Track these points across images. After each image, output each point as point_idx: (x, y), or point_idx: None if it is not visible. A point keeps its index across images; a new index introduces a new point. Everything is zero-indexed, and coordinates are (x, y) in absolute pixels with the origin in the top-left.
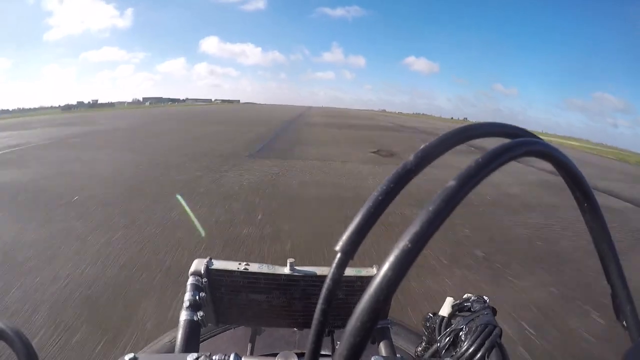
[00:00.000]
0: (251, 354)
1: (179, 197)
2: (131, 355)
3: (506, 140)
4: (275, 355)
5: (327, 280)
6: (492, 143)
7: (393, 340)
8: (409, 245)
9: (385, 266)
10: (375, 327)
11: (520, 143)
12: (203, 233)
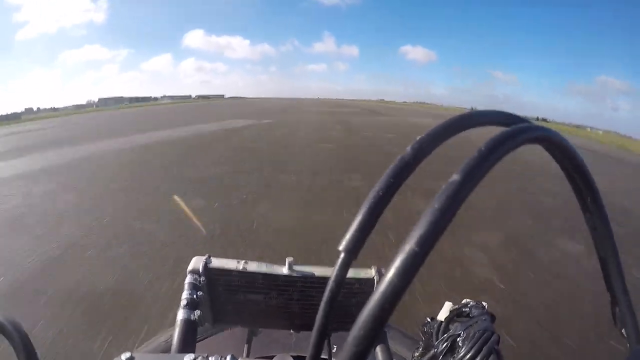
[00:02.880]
0: (247, 355)
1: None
2: (128, 354)
3: (503, 129)
4: (271, 357)
5: (330, 282)
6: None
7: (390, 344)
8: (416, 249)
9: (391, 272)
10: (379, 335)
11: (521, 130)
12: None
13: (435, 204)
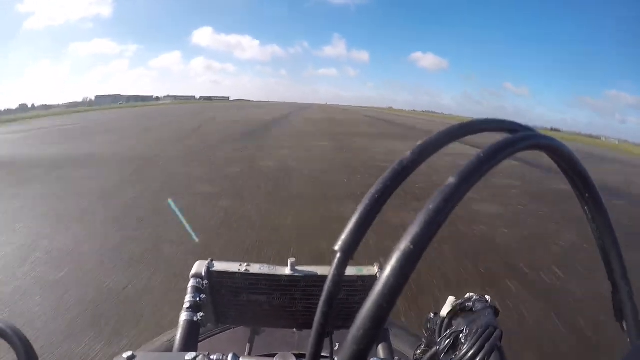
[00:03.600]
0: (249, 354)
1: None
2: (129, 353)
3: (504, 136)
4: (273, 355)
5: (328, 282)
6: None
7: (392, 342)
8: (411, 247)
9: (387, 271)
10: (379, 334)
11: (521, 137)
12: None
13: (431, 204)
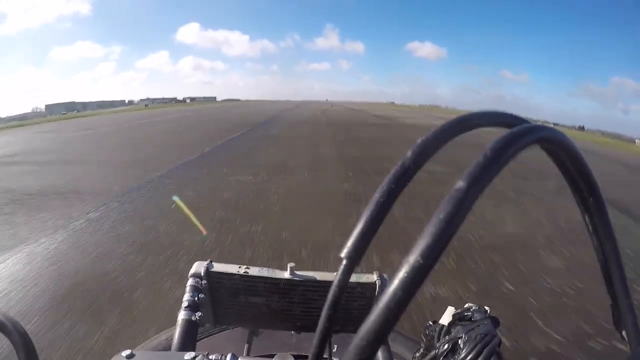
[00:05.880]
0: (248, 354)
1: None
2: (128, 352)
3: (507, 130)
4: (272, 356)
5: (333, 287)
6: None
7: (390, 345)
8: (421, 261)
9: (395, 284)
10: (381, 346)
11: (527, 130)
12: None
13: (440, 213)
